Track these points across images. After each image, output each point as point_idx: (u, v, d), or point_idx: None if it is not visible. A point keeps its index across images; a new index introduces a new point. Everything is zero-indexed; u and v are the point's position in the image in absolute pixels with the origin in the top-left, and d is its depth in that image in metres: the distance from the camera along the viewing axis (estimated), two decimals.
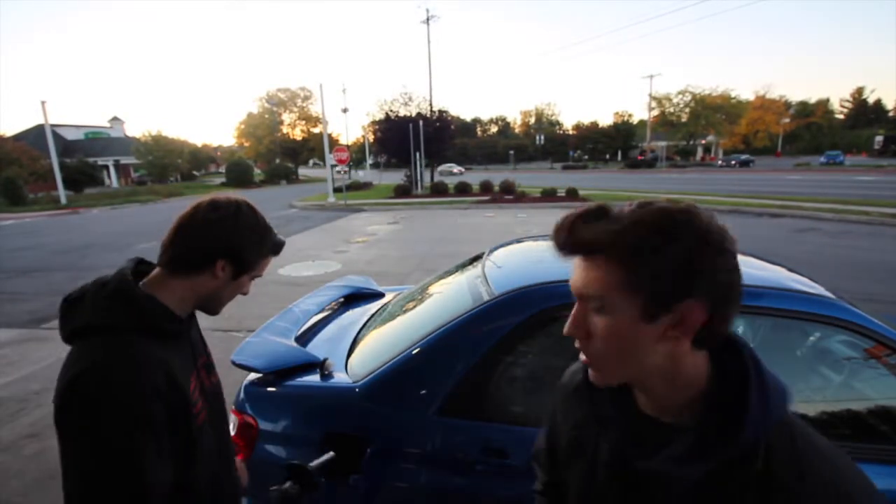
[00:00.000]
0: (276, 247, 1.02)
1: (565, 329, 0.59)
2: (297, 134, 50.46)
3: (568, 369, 0.80)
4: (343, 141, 45.75)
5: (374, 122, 29.13)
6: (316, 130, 48.07)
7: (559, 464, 0.77)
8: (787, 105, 61.70)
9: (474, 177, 28.14)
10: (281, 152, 48.82)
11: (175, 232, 0.92)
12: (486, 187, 20.94)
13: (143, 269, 0.97)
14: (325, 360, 1.70)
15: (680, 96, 49.92)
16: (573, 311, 0.58)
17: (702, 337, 0.55)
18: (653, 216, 0.52)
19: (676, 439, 0.55)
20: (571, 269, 0.59)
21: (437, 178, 24.80)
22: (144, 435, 0.79)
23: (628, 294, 0.53)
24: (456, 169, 49.23)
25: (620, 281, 0.53)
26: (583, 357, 0.60)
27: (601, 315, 0.55)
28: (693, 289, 0.51)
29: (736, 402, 0.53)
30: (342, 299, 2.59)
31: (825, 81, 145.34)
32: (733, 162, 43.92)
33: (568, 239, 0.56)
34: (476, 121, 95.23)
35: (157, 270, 0.95)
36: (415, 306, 2.09)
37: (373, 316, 2.28)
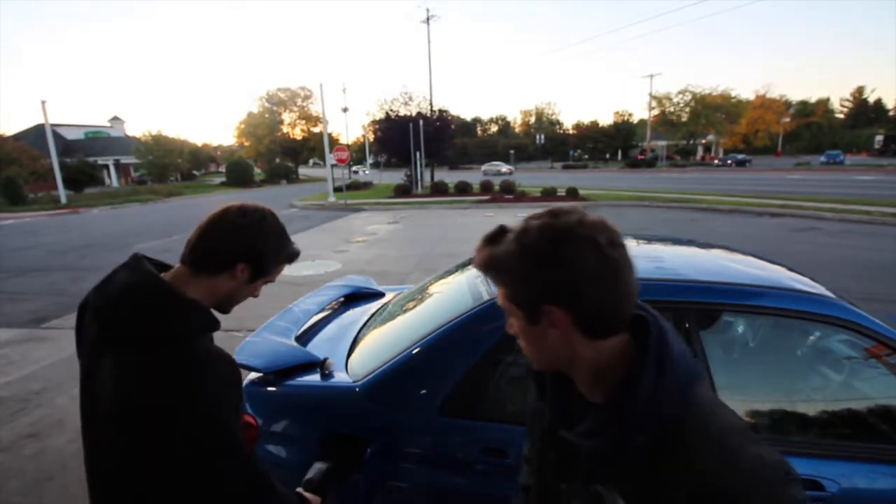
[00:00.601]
0: (292, 256, 1.08)
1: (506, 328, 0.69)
2: (298, 133, 50.43)
3: None
4: (343, 140, 45.75)
5: (374, 122, 29.14)
6: (316, 130, 48.02)
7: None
8: (788, 104, 61.64)
9: (474, 177, 28.13)
10: (281, 152, 48.80)
11: (203, 232, 0.98)
12: (486, 187, 20.94)
13: (144, 266, 0.98)
14: (326, 359, 1.70)
15: (680, 96, 49.89)
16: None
17: (587, 330, 0.61)
18: (531, 242, 0.60)
19: (588, 416, 0.63)
20: None
21: (483, 178, 24.47)
22: (237, 419, 0.95)
23: (513, 305, 0.65)
24: (504, 168, 44.48)
25: (506, 295, 0.65)
26: None
27: (512, 318, 0.67)
28: (553, 298, 0.60)
29: (633, 383, 0.59)
30: (342, 299, 2.59)
31: (825, 81, 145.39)
32: (729, 161, 44.00)
33: (477, 260, 0.67)
34: (476, 120, 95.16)
35: (178, 268, 0.99)
36: (415, 306, 2.09)
37: (373, 316, 2.28)
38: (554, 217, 0.61)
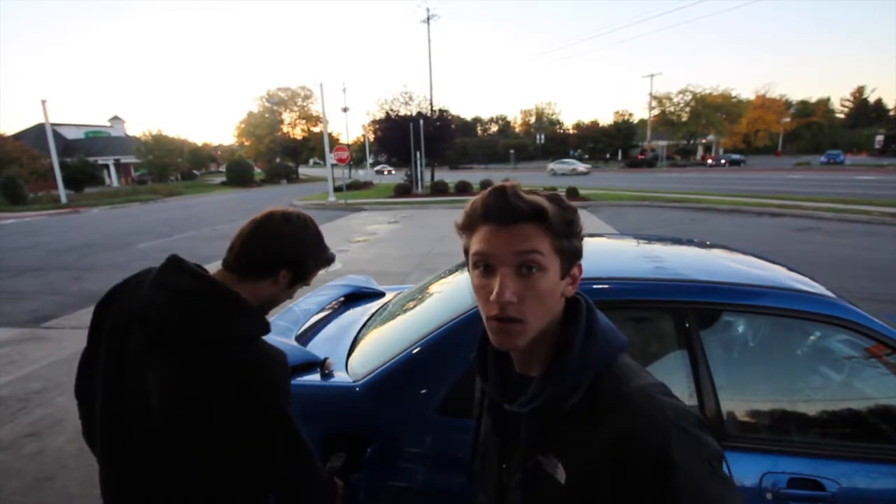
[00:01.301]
0: (329, 260, 1.12)
1: (499, 296, 0.63)
2: (298, 133, 50.40)
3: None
4: (343, 140, 45.72)
5: (374, 122, 29.12)
6: (316, 129, 48.01)
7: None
8: (788, 104, 61.57)
9: (474, 176, 28.12)
10: (281, 151, 48.80)
11: (248, 239, 1.00)
12: (486, 186, 20.83)
13: (196, 270, 0.99)
14: (326, 359, 1.70)
15: (680, 95, 49.81)
16: (504, 279, 0.63)
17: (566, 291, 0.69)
18: (559, 199, 0.68)
19: (529, 388, 0.68)
20: (491, 242, 0.66)
21: (553, 176, 23.86)
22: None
23: (556, 255, 0.66)
24: (581, 167, 38.35)
25: (551, 245, 0.65)
26: (500, 325, 0.66)
27: (539, 274, 0.64)
28: (581, 253, 0.69)
29: (565, 349, 0.66)
30: (342, 298, 2.59)
31: (825, 81, 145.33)
32: (723, 161, 44.11)
33: (514, 206, 0.64)
34: (476, 120, 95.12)
35: (222, 272, 1.02)
36: (415, 305, 2.09)
37: (373, 315, 2.28)
38: (566, 200, 0.70)
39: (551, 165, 40.81)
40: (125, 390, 0.92)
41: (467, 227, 0.70)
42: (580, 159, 61.37)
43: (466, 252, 0.71)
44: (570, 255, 0.67)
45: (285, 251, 1.01)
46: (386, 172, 33.37)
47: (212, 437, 0.89)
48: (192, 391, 0.88)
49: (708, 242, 2.36)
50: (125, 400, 0.92)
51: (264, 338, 0.99)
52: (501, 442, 0.77)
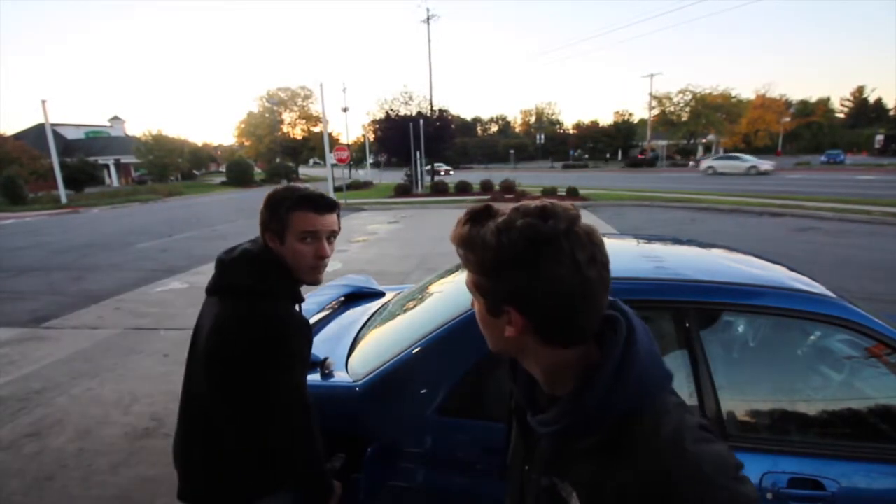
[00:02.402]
0: (304, 198, 1.18)
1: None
2: (298, 133, 50.39)
3: None
4: (343, 140, 45.69)
5: (374, 122, 29.10)
6: (316, 129, 47.98)
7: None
8: (788, 104, 61.44)
9: (474, 176, 28.11)
10: (281, 151, 48.76)
11: None
12: (486, 186, 20.93)
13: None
14: (326, 359, 1.70)
15: (680, 95, 49.70)
16: None
17: (546, 338, 0.62)
18: (511, 241, 0.58)
19: (551, 406, 0.64)
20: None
21: (712, 175, 20.74)
22: (303, 368, 1.21)
23: (479, 292, 0.65)
24: (765, 165, 29.12)
25: (475, 281, 0.64)
26: None
27: (474, 299, 0.68)
28: (517, 302, 0.60)
29: (590, 381, 0.59)
30: (342, 298, 2.59)
31: (826, 80, 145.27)
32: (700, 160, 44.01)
33: (454, 233, 0.64)
34: (476, 120, 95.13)
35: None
36: (415, 305, 2.09)
37: (373, 315, 2.28)
38: (542, 219, 0.57)
39: (709, 163, 31.73)
40: (201, 318, 1.23)
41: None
42: (580, 159, 61.34)
43: None
44: (490, 294, 0.64)
45: (261, 217, 1.18)
46: (443, 173, 32.16)
47: (224, 372, 1.11)
48: (218, 326, 1.12)
49: (708, 242, 2.36)
50: (199, 324, 1.23)
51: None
52: (525, 446, 0.76)
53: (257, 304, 1.12)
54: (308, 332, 1.20)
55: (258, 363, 1.08)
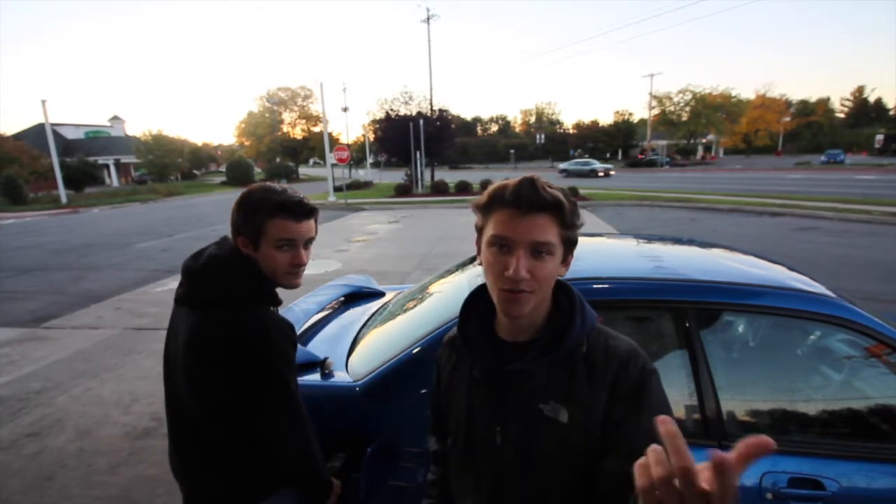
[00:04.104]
0: (282, 205, 1.14)
1: (517, 273, 0.74)
2: (298, 133, 50.32)
3: (445, 337, 1.03)
4: (343, 140, 45.65)
5: (374, 121, 29.10)
6: (316, 129, 47.92)
7: (440, 408, 1.01)
8: (788, 104, 61.43)
9: (474, 176, 28.10)
10: (281, 151, 48.75)
11: None
12: (486, 186, 20.89)
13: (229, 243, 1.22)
14: (326, 359, 1.70)
15: (680, 95, 49.74)
16: (521, 259, 0.74)
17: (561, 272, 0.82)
18: (567, 194, 0.78)
19: (531, 348, 0.81)
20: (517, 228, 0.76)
21: (565, 177, 22.73)
22: (291, 371, 1.17)
23: (561, 243, 0.78)
24: (602, 168, 32.43)
25: (559, 234, 0.77)
26: (511, 295, 0.76)
27: (548, 257, 0.76)
28: (576, 244, 0.82)
29: (565, 324, 0.82)
30: (342, 298, 2.58)
31: (826, 80, 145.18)
32: (673, 157, 44.88)
33: (541, 198, 0.74)
34: (476, 120, 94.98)
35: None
36: (415, 305, 2.09)
37: (373, 315, 2.28)
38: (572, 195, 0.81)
39: (563, 165, 36.85)
40: (173, 327, 1.19)
41: (486, 208, 0.80)
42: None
43: (479, 229, 0.83)
44: (572, 244, 0.81)
45: (232, 219, 1.15)
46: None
47: (203, 377, 1.08)
48: (193, 335, 1.09)
49: (708, 242, 2.36)
50: (172, 333, 1.19)
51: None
52: (494, 406, 0.85)
53: (234, 312, 1.08)
54: (292, 332, 1.18)
55: (244, 375, 1.06)
